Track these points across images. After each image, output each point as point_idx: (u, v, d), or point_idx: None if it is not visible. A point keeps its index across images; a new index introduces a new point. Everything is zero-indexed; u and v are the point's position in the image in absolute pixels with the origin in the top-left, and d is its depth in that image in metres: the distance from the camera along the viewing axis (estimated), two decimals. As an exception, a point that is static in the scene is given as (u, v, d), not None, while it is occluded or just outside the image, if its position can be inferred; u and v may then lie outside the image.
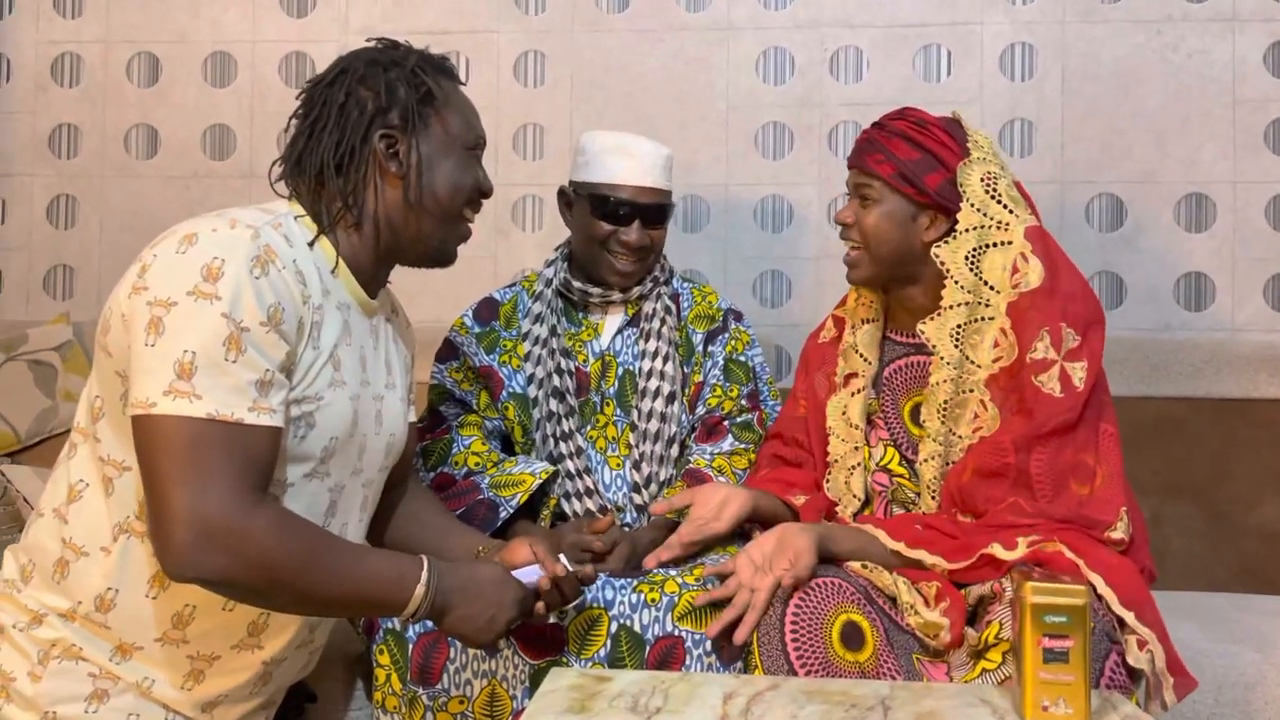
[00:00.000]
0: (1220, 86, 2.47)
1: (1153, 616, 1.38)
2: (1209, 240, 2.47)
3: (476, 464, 1.82)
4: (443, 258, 1.46)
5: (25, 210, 2.77)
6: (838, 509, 1.69)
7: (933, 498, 1.59)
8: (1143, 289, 2.48)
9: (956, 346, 1.55)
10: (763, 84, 2.59)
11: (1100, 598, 1.37)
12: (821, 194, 2.58)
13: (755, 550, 1.47)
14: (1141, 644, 1.35)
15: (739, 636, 1.40)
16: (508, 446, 1.93)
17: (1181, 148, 2.48)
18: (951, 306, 1.56)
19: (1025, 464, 1.48)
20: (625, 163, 1.86)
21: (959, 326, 1.55)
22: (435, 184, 1.38)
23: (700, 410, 1.92)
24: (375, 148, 1.36)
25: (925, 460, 1.59)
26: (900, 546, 1.49)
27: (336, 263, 1.35)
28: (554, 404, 1.87)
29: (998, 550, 1.43)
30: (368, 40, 1.45)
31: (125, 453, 1.24)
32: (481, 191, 1.45)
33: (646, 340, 1.91)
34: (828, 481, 1.70)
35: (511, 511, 1.74)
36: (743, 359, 1.95)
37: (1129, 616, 1.35)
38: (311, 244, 1.34)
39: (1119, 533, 1.45)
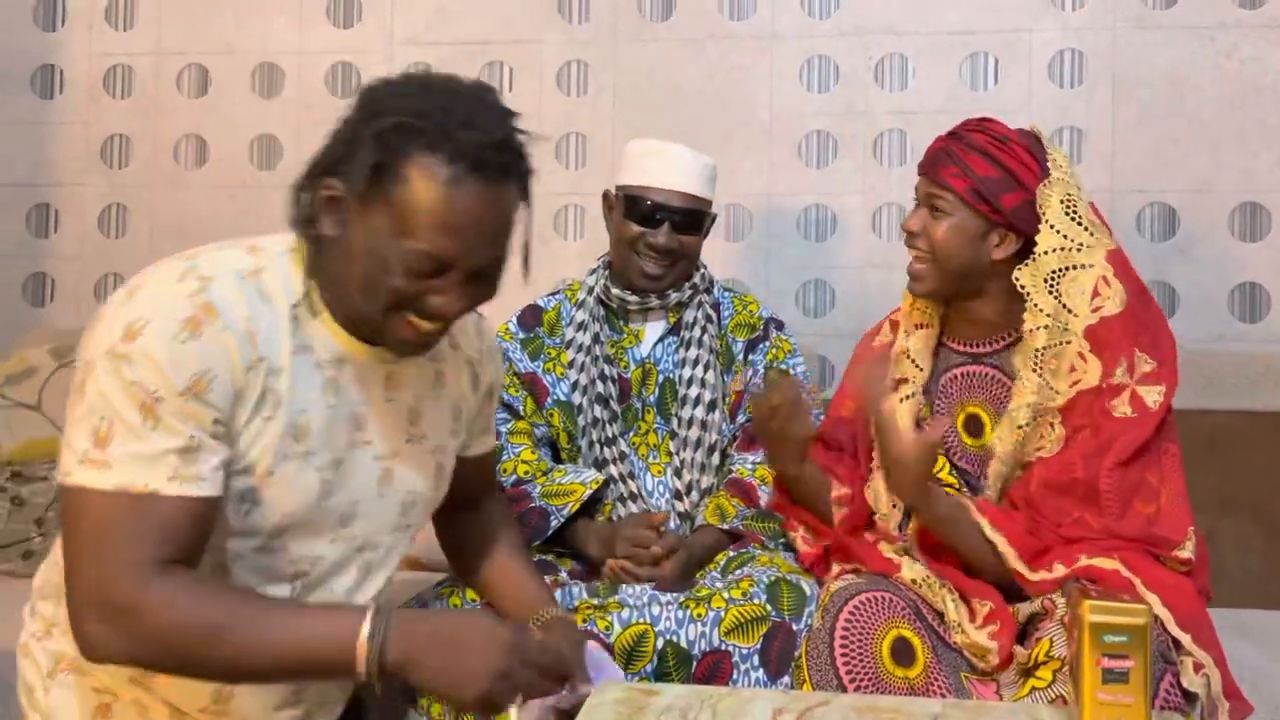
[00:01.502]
0: (1276, 94, 2.41)
1: (1210, 639, 1.35)
2: (1265, 250, 2.42)
3: (526, 472, 1.83)
4: (391, 346, 1.20)
5: (77, 220, 2.81)
6: (876, 518, 1.67)
7: None
8: (1196, 300, 2.43)
9: (1035, 371, 1.52)
10: (806, 92, 2.58)
11: (1156, 618, 1.34)
12: (865, 203, 2.55)
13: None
14: (1198, 667, 1.32)
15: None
16: (555, 454, 1.94)
17: (1236, 156, 2.43)
18: (1032, 330, 1.52)
19: (1094, 481, 1.45)
20: (660, 165, 1.86)
21: (1038, 351, 1.52)
22: (350, 270, 1.15)
23: (740, 419, 1.91)
24: (316, 198, 1.15)
25: (991, 481, 1.57)
26: (984, 523, 1.47)
27: (316, 312, 1.19)
28: (598, 410, 1.87)
29: (1059, 570, 1.40)
30: (412, 64, 1.28)
31: None
32: (413, 308, 1.15)
33: (687, 348, 1.91)
34: (869, 486, 1.68)
35: (562, 520, 1.75)
36: (784, 367, 1.94)
37: (1186, 638, 1.32)
38: (304, 296, 1.19)
39: (1186, 552, 1.42)
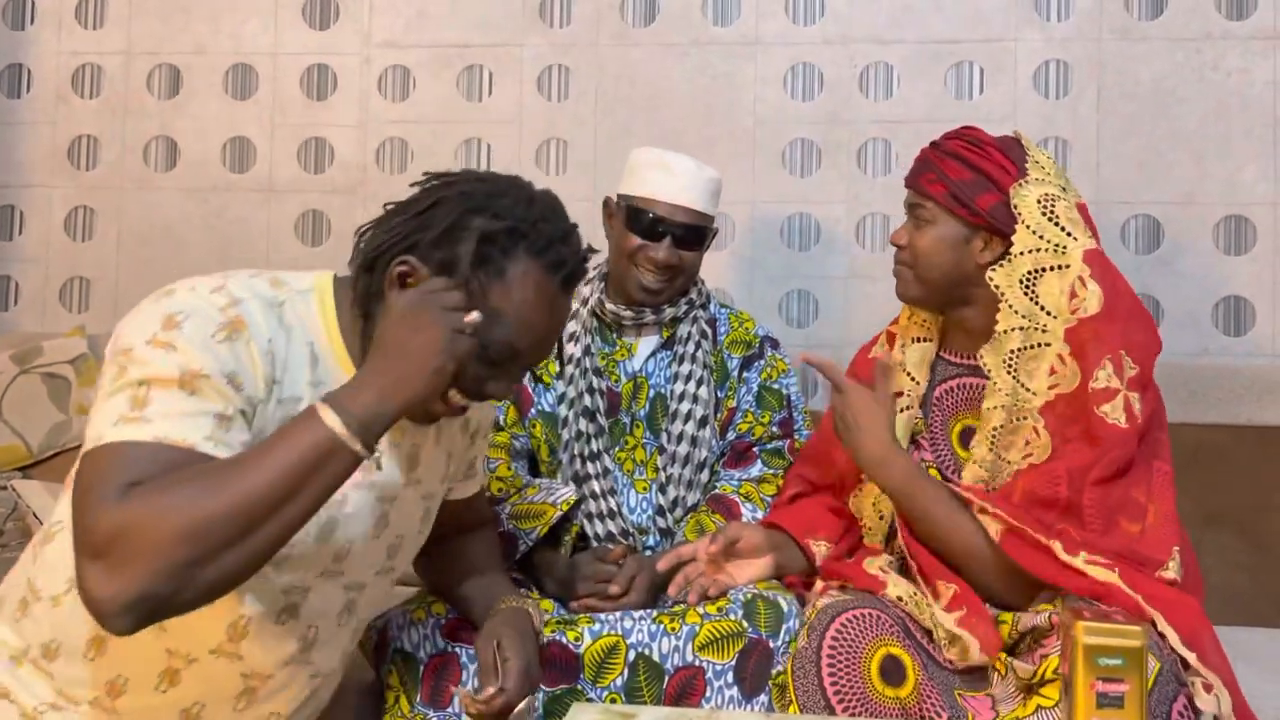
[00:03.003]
0: (1261, 106, 2.40)
1: (1218, 658, 1.32)
2: (1249, 263, 2.41)
3: (500, 489, 1.78)
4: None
5: (43, 221, 2.74)
6: (864, 538, 1.64)
7: None
8: (1181, 313, 2.41)
9: (1010, 373, 1.50)
10: (791, 100, 2.55)
11: (1162, 635, 1.30)
12: (850, 212, 2.53)
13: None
14: (1207, 686, 1.28)
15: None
16: (533, 466, 1.89)
17: (1221, 168, 2.41)
18: (1006, 331, 1.51)
19: (1078, 497, 1.43)
20: (664, 179, 1.82)
21: (1013, 352, 1.50)
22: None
23: (730, 435, 1.88)
24: (391, 270, 1.19)
25: (965, 481, 1.54)
26: (970, 494, 1.45)
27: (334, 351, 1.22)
28: (584, 423, 1.83)
29: (1058, 548, 1.37)
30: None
31: None
32: (465, 389, 1.21)
33: (680, 363, 1.88)
34: (854, 498, 1.66)
35: (530, 544, 1.70)
36: (777, 386, 1.91)
37: (1192, 657, 1.29)
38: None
39: (1170, 572, 1.40)
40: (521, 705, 1.27)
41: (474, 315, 1.14)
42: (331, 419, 1.06)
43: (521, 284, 1.19)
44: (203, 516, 1.00)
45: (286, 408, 1.16)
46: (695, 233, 1.84)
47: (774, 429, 1.88)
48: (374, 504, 1.27)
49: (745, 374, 1.91)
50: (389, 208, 1.25)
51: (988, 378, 1.54)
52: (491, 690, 1.28)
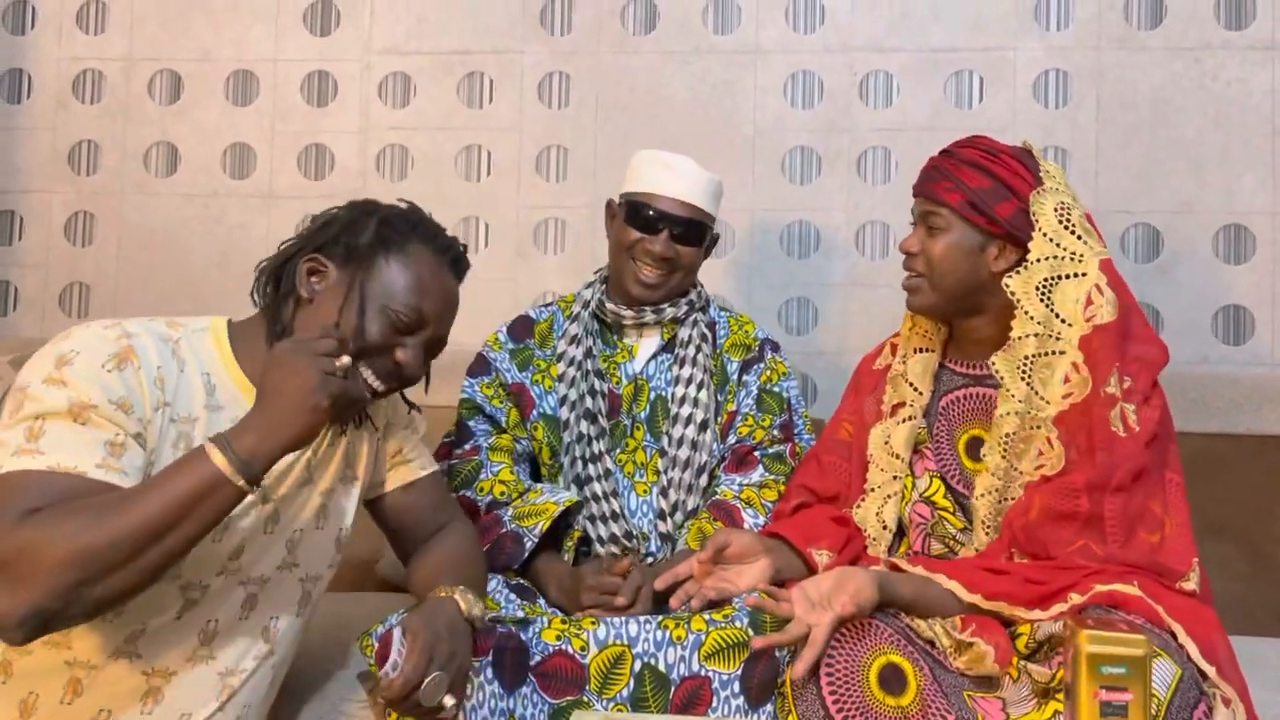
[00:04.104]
0: (1260, 116, 2.41)
1: (1234, 671, 1.32)
2: (1249, 273, 2.41)
3: (502, 493, 1.78)
4: (345, 417, 1.38)
5: (43, 227, 2.74)
6: (868, 548, 1.63)
7: (986, 533, 1.53)
8: (1180, 321, 2.42)
9: (1024, 380, 1.50)
10: (790, 108, 2.55)
11: (1181, 647, 1.30)
12: (850, 220, 2.53)
13: (811, 587, 1.36)
14: (1226, 700, 1.28)
15: (798, 671, 1.30)
16: (535, 469, 1.89)
17: (1220, 178, 2.42)
18: (1020, 338, 1.50)
19: (1099, 508, 1.42)
20: (665, 175, 1.85)
21: (1027, 359, 1.50)
22: (319, 325, 1.30)
23: (731, 439, 1.87)
24: (300, 267, 1.34)
25: (981, 495, 1.53)
26: (978, 599, 1.39)
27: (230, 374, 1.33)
28: (585, 425, 1.84)
29: (1076, 599, 1.36)
30: (399, 200, 1.45)
31: None
32: (391, 359, 1.34)
33: (681, 366, 1.88)
34: (858, 508, 1.65)
35: (536, 541, 1.69)
36: (777, 390, 1.90)
37: (1211, 670, 1.28)
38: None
39: (1191, 584, 1.40)
40: (428, 681, 1.23)
41: (344, 360, 1.23)
42: (218, 457, 1.14)
43: (419, 258, 1.37)
44: (90, 542, 1.09)
45: (180, 426, 1.27)
46: (693, 228, 1.85)
47: (775, 433, 1.87)
48: (260, 505, 1.34)
49: (745, 377, 1.91)
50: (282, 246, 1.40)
51: (998, 385, 1.53)
52: (385, 669, 1.25)
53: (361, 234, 1.35)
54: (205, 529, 1.16)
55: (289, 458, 1.31)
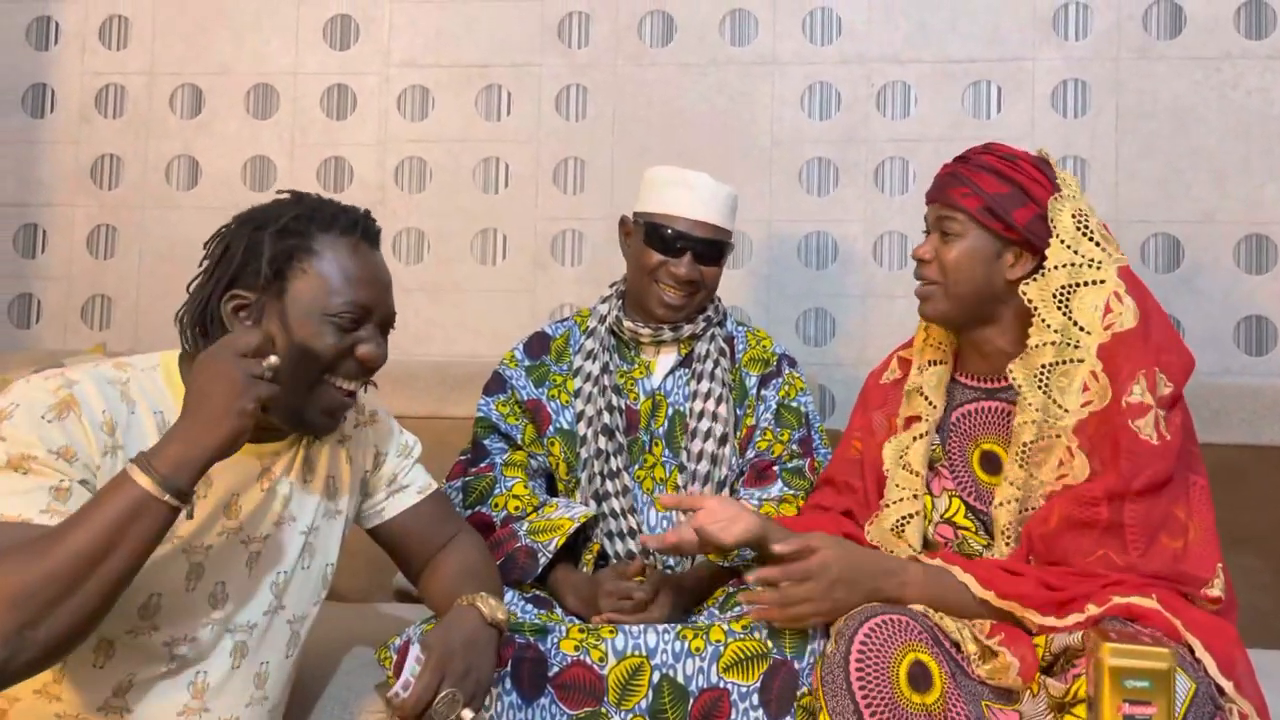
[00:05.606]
0: (1281, 125, 2.40)
1: (1253, 688, 1.30)
2: (1271, 282, 2.39)
3: (517, 508, 1.78)
4: (305, 425, 1.34)
5: (65, 240, 2.77)
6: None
7: (1007, 544, 1.52)
8: (1201, 332, 2.40)
9: (1041, 389, 1.48)
10: (808, 119, 2.55)
11: (1199, 662, 1.28)
12: (867, 231, 2.52)
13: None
14: (1244, 716, 1.27)
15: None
16: (551, 485, 1.89)
17: (1242, 187, 2.41)
18: (1038, 346, 1.48)
19: (1119, 516, 1.40)
20: (684, 195, 1.83)
21: (1044, 367, 1.48)
22: (280, 350, 1.27)
23: (750, 454, 1.87)
24: (224, 310, 1.29)
25: (1000, 505, 1.52)
26: (990, 596, 1.39)
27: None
28: (602, 441, 1.82)
29: (1093, 610, 1.34)
30: (278, 192, 1.39)
31: None
32: (355, 359, 1.32)
33: (699, 381, 1.87)
34: (870, 526, 1.63)
35: (550, 557, 1.69)
36: (795, 404, 1.90)
37: (1228, 686, 1.26)
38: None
39: (1216, 590, 1.37)
40: (440, 699, 1.23)
41: (272, 359, 1.19)
42: (140, 476, 1.11)
43: (333, 250, 1.31)
44: (25, 582, 1.05)
45: None
46: (715, 248, 1.85)
47: (794, 447, 1.86)
48: (238, 547, 1.33)
49: (763, 392, 1.90)
50: (190, 287, 1.36)
51: (1010, 398, 1.51)
52: (396, 688, 1.25)
53: (264, 252, 1.28)
54: (143, 552, 1.13)
55: (266, 498, 1.33)
